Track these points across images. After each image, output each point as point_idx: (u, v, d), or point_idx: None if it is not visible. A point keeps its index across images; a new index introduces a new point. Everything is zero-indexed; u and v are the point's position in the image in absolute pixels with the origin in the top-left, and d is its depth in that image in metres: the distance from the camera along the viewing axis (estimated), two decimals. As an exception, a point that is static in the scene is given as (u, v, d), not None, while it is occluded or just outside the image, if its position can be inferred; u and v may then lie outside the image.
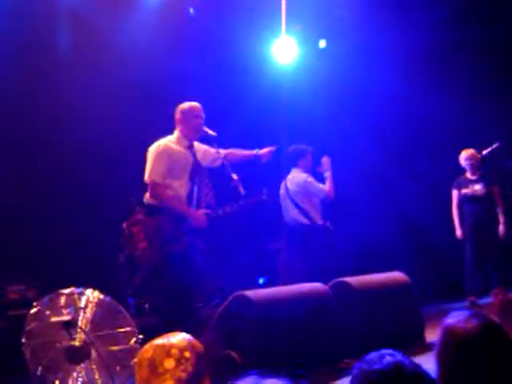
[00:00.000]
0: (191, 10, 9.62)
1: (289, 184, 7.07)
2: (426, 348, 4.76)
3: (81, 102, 7.52)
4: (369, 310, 4.24)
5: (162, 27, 8.54)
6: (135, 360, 3.13)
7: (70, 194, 7.67)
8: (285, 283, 5.76)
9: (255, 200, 5.95)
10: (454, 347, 2.06)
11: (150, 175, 5.22)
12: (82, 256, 7.51)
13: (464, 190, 8.20)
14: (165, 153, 5.28)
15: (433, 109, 9.41)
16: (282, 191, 7.15)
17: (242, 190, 5.14)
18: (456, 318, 2.13)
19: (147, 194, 5.24)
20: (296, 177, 7.06)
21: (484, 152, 8.17)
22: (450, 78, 9.39)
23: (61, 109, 7.55)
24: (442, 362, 2.09)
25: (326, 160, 7.18)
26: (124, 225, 5.34)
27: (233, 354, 2.98)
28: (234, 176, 5.24)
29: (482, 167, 8.23)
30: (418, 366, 1.90)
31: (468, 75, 9.34)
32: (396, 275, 4.67)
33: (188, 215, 5.14)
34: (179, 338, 3.01)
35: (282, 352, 3.62)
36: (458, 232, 8.15)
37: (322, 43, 10.57)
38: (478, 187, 8.15)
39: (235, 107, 8.85)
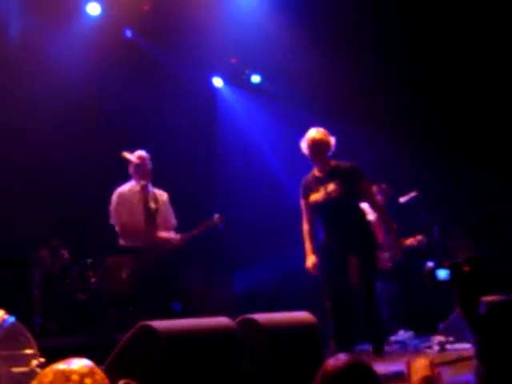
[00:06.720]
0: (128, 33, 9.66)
1: None
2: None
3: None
4: (274, 349, 4.30)
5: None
6: (33, 384, 3.10)
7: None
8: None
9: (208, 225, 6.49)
10: (323, 382, 2.36)
11: None
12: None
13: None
14: None
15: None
16: None
17: None
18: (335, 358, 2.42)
19: None
20: None
21: (401, 199, 8.02)
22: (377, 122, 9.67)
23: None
24: None
25: None
26: None
27: (131, 382, 2.99)
28: None
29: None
30: None
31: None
32: (303, 315, 4.76)
33: None
34: (80, 364, 3.00)
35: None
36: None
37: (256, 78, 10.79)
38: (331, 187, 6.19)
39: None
